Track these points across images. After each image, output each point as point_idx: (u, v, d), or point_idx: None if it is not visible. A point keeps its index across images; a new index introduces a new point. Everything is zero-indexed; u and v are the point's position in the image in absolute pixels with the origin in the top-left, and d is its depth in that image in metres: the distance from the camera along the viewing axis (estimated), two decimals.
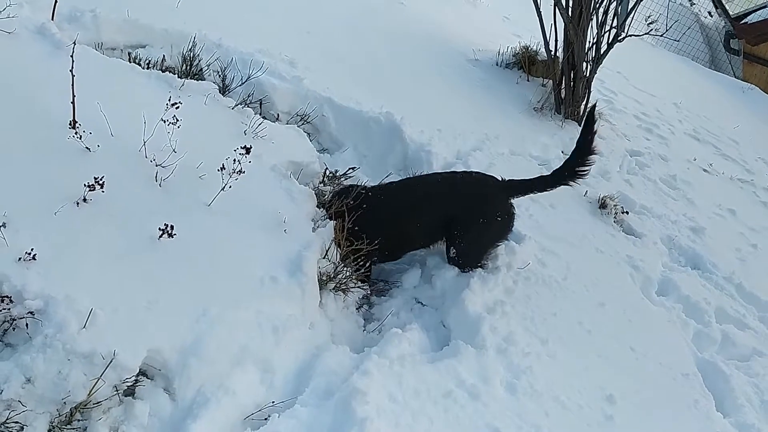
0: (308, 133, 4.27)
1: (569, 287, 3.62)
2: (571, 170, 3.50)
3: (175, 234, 2.65)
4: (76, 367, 2.21)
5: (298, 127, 4.26)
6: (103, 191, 2.64)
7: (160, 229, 2.64)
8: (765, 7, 11.82)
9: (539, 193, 3.67)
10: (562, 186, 3.55)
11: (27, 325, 2.26)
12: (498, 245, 3.56)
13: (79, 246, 2.52)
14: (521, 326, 3.23)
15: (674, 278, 4.08)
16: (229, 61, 4.46)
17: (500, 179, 3.55)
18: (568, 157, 3.60)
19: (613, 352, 3.31)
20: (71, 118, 2.91)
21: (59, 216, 2.56)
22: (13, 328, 2.26)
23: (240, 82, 4.35)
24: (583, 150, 3.46)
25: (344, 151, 4.47)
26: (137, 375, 2.35)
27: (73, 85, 2.87)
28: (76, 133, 2.86)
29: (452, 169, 4.05)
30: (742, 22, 12.18)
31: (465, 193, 3.46)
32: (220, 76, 4.35)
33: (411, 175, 3.93)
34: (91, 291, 2.37)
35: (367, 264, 3.31)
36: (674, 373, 3.31)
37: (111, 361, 2.24)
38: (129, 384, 2.33)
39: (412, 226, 3.45)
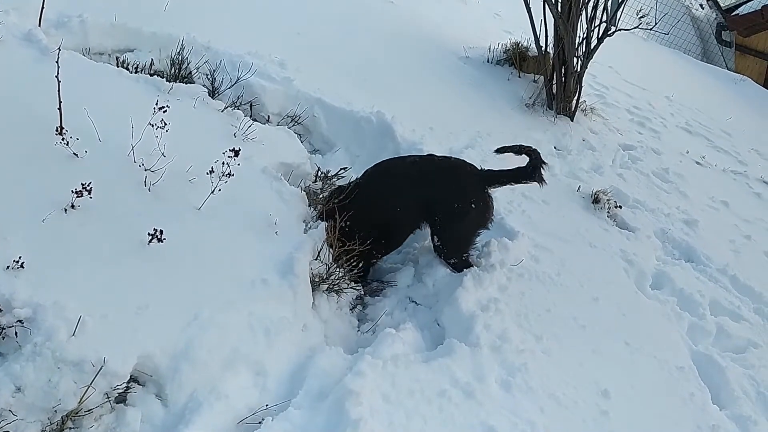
0: (299, 135, 4.26)
1: (563, 283, 3.62)
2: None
3: (164, 239, 2.64)
4: (66, 375, 2.19)
5: (289, 128, 4.25)
6: (90, 197, 2.63)
7: (149, 233, 2.63)
8: None
9: (516, 185, 3.63)
10: (535, 182, 3.52)
11: (16, 333, 2.24)
12: (479, 233, 3.52)
13: (67, 253, 2.51)
14: (515, 323, 3.22)
15: (668, 271, 4.08)
16: (218, 64, 4.45)
17: (478, 167, 3.53)
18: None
19: (608, 346, 3.30)
20: (58, 124, 2.89)
21: (47, 223, 2.55)
22: (2, 337, 2.24)
23: (229, 85, 4.33)
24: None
25: (336, 152, 4.46)
26: (128, 381, 2.34)
27: (59, 90, 2.85)
28: (63, 139, 2.84)
29: None
30: (734, 13, 12.22)
31: (439, 177, 3.43)
32: (209, 78, 4.34)
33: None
34: (80, 298, 2.36)
35: (360, 264, 3.30)
36: (669, 366, 3.31)
37: (101, 368, 2.23)
38: (120, 391, 2.32)
39: (393, 210, 3.42)
